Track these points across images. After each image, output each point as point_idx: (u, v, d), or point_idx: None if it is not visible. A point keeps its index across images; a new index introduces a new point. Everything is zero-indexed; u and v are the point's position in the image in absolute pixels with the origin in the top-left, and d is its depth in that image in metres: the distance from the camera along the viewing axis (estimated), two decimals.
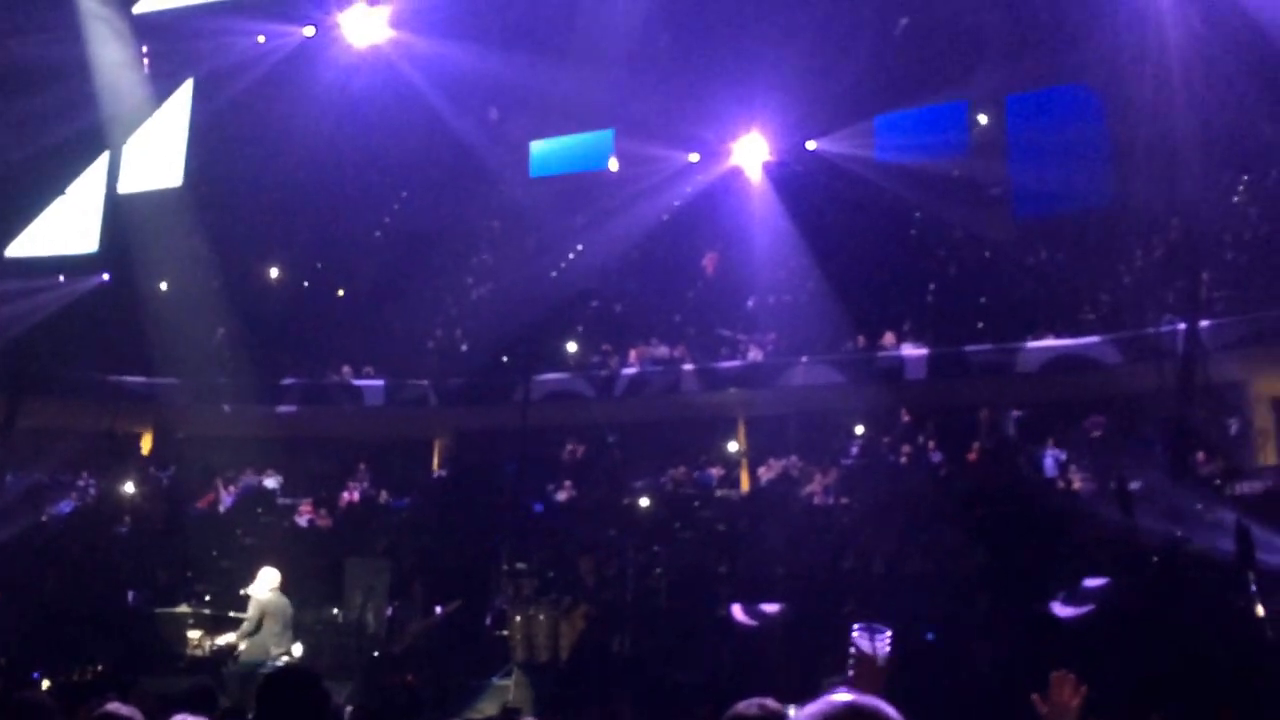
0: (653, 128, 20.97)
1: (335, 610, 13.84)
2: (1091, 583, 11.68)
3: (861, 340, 19.35)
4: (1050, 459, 16.12)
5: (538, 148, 22.61)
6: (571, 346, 21.55)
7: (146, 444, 22.12)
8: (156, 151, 20.99)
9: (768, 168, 21.61)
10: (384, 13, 20.60)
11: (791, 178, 21.38)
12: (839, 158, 20.81)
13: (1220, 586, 10.28)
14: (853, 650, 6.23)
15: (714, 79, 20.41)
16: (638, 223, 21.90)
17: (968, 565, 12.62)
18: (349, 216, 23.83)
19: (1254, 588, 9.58)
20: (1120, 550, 11.70)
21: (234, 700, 9.75)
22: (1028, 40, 19.14)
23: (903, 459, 17.03)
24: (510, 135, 22.51)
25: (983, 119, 21.08)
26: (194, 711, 5.62)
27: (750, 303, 21.41)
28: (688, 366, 20.22)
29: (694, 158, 22.00)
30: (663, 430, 20.27)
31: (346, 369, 21.81)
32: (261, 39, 20.71)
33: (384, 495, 19.03)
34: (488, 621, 13.93)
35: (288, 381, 21.67)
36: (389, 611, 13.68)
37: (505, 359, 21.15)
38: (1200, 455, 14.38)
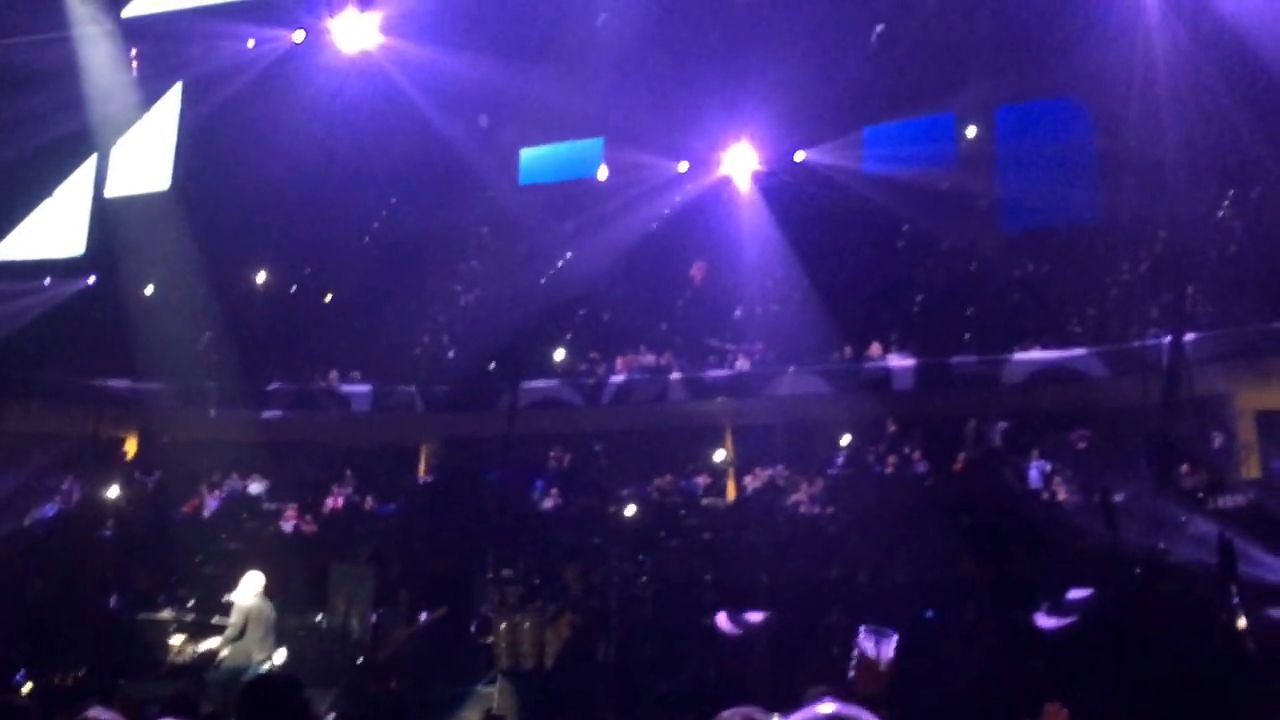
0: (642, 137, 21.02)
1: (319, 617, 13.77)
2: (1075, 594, 11.73)
3: (848, 350, 19.42)
4: (1035, 470, 16.19)
5: (527, 155, 22.65)
6: (559, 354, 21.56)
7: (131, 448, 22.01)
8: (144, 155, 20.95)
9: (756, 178, 21.68)
10: (374, 18, 20.57)
11: (780, 188, 21.44)
12: (828, 168, 20.89)
13: (1203, 599, 10.31)
14: (856, 652, 6.26)
15: (703, 89, 20.48)
16: (626, 231, 21.92)
17: (953, 575, 12.66)
18: (338, 222, 23.75)
19: (1236, 600, 9.61)
20: (1104, 562, 11.74)
21: (216, 706, 9.69)
22: (1016, 53, 19.24)
23: (889, 469, 17.09)
24: (500, 142, 22.53)
25: (971, 131, 21.19)
26: (176, 717, 5.60)
27: (738, 312, 21.45)
28: (675, 375, 20.25)
29: (683, 167, 22.06)
30: (649, 439, 20.26)
31: (333, 374, 21.75)
32: (251, 43, 20.64)
33: (370, 501, 18.97)
34: (472, 629, 13.89)
35: (274, 387, 21.61)
36: (373, 618, 13.63)
37: (493, 366, 21.15)
38: (1184, 468, 14.45)
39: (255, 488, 19.55)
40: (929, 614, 11.45)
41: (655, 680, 12.04)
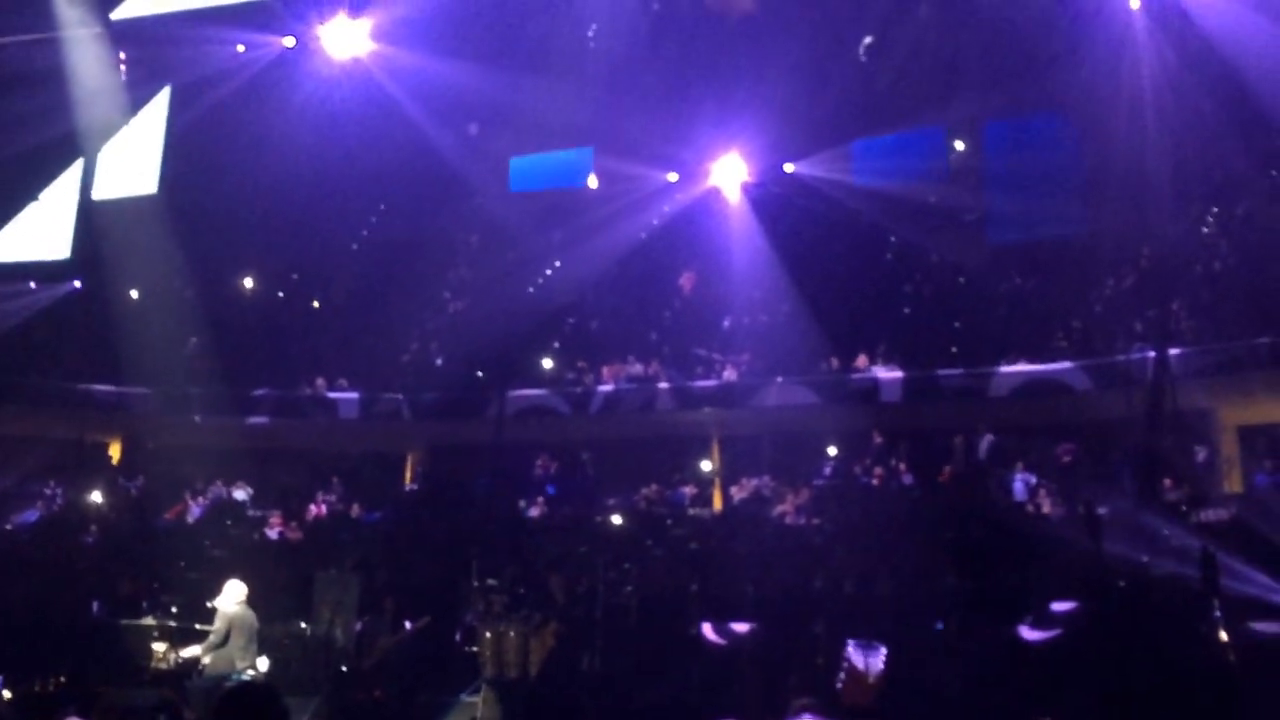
0: (632, 146, 21.05)
1: (303, 624, 13.69)
2: (1059, 606, 11.77)
3: (836, 362, 19.46)
4: (1020, 483, 16.24)
5: (517, 163, 22.66)
6: (547, 363, 21.53)
7: (116, 453, 21.88)
8: (132, 158, 20.87)
9: (746, 189, 21.74)
10: (365, 25, 20.59)
11: (769, 199, 21.51)
12: (817, 180, 20.97)
13: (1185, 612, 10.37)
14: (845, 664, 6.28)
15: (694, 100, 20.56)
16: (616, 240, 21.95)
17: (937, 587, 12.69)
18: (326, 228, 23.72)
19: (1218, 613, 9.68)
20: (1088, 575, 11.78)
21: (198, 714, 9.65)
22: (1005, 69, 19.39)
23: (875, 480, 17.12)
24: (490, 150, 22.54)
25: (960, 145, 21.32)
26: None
27: (726, 322, 21.49)
28: (663, 385, 20.26)
29: (673, 177, 22.10)
30: (636, 448, 20.25)
31: (320, 381, 21.67)
32: (241, 48, 20.63)
33: (355, 509, 18.89)
34: (457, 637, 13.84)
35: (260, 393, 21.50)
36: (358, 626, 13.56)
37: (480, 374, 21.10)
38: (1167, 482, 14.55)
39: (240, 494, 19.44)
40: (939, 625, 11.45)
41: (640, 690, 12.01)
